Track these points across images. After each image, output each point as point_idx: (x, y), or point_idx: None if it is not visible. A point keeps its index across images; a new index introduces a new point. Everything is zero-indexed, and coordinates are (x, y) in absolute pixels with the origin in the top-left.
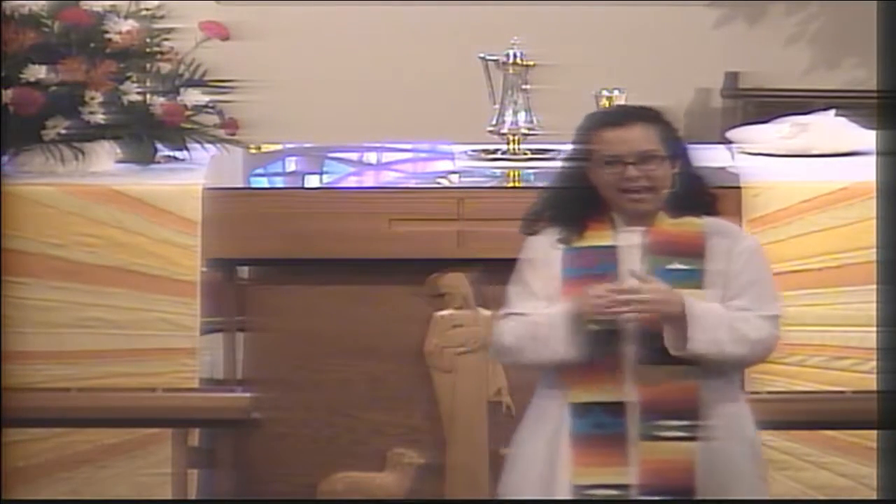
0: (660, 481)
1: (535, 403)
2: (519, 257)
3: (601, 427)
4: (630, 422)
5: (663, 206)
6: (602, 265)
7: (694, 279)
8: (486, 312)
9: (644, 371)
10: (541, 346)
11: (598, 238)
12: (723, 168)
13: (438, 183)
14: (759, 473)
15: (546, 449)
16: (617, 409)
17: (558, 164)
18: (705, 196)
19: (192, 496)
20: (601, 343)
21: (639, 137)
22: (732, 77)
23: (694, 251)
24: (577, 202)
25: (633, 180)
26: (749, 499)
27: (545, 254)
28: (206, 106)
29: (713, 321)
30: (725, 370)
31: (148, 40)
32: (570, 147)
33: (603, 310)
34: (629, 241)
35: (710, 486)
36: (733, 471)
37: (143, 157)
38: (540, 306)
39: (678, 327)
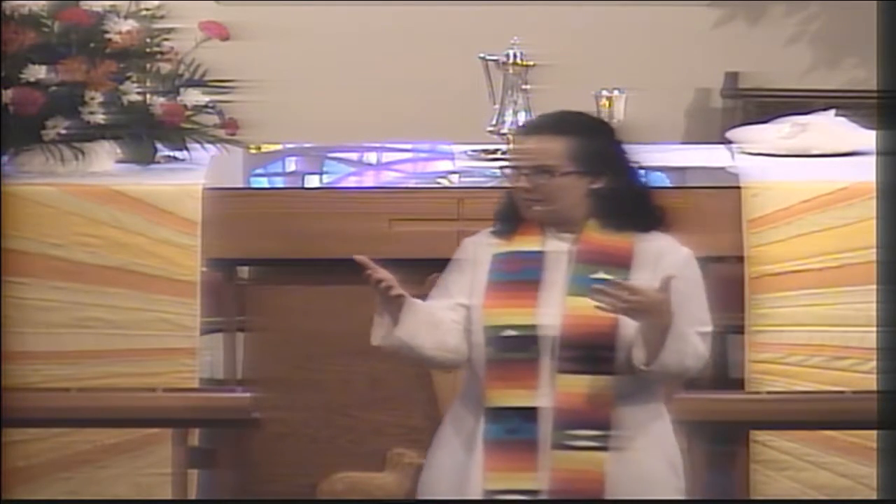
0: (568, 490)
1: (455, 406)
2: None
3: (513, 432)
4: (543, 429)
5: (594, 214)
6: (527, 270)
7: None
8: None
9: (561, 379)
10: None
11: (528, 243)
12: (723, 168)
13: (438, 183)
14: (678, 487)
15: (461, 452)
16: (530, 414)
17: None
18: (648, 212)
19: (192, 496)
20: (520, 348)
21: (536, 149)
22: (732, 77)
23: (620, 262)
24: (513, 206)
25: (525, 191)
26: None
27: (474, 256)
28: (206, 106)
29: (681, 334)
30: (647, 384)
31: (148, 40)
32: None
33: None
34: (557, 248)
35: (622, 498)
36: (648, 485)
37: (143, 157)
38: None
39: (656, 339)
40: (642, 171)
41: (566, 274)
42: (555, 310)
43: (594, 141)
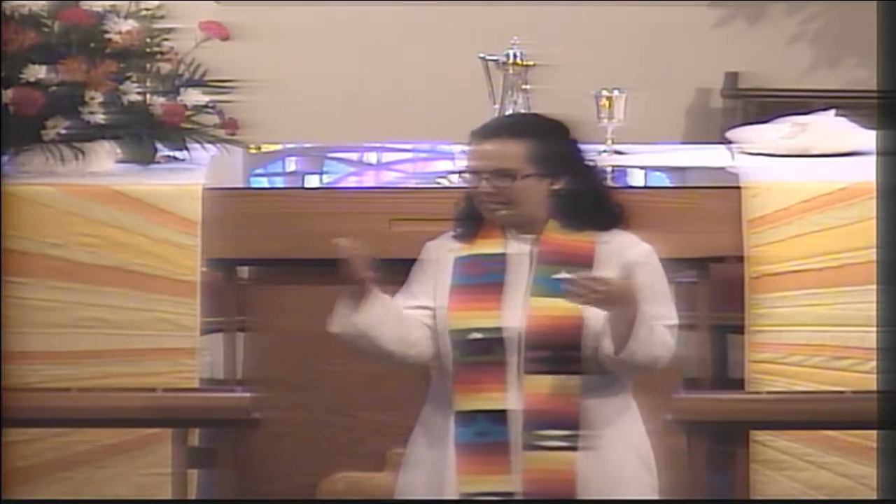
0: (541, 491)
1: (425, 409)
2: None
3: (484, 435)
4: (513, 430)
5: (554, 215)
6: (490, 273)
7: None
8: None
9: (528, 380)
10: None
11: (489, 245)
12: (723, 168)
13: (438, 183)
14: (651, 485)
15: (434, 454)
16: (500, 417)
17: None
18: (607, 210)
19: (192, 496)
20: (486, 350)
21: (494, 153)
22: (732, 77)
23: (582, 261)
24: (473, 208)
25: (486, 195)
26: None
27: (437, 258)
28: (206, 106)
29: (649, 324)
30: (615, 381)
31: (148, 40)
32: None
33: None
34: (519, 250)
35: (594, 496)
36: (619, 482)
37: (143, 157)
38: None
39: (624, 328)
40: (600, 170)
41: (529, 275)
42: (519, 311)
43: (553, 142)
